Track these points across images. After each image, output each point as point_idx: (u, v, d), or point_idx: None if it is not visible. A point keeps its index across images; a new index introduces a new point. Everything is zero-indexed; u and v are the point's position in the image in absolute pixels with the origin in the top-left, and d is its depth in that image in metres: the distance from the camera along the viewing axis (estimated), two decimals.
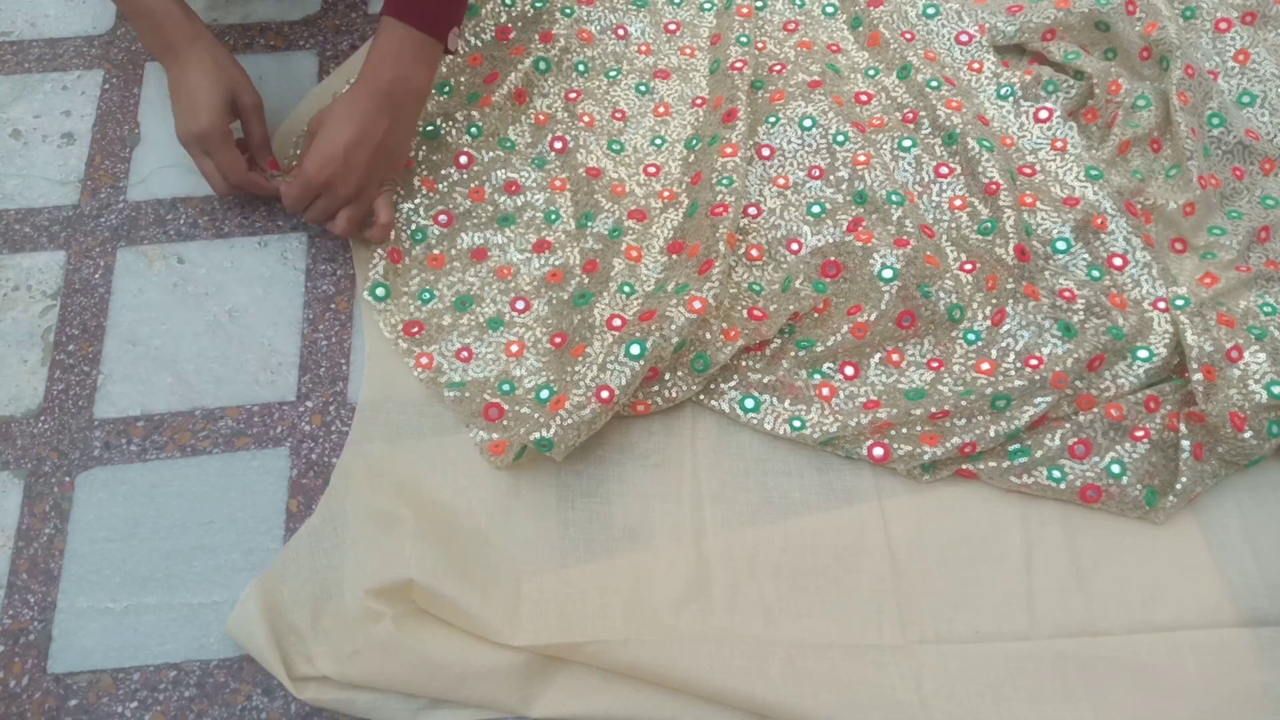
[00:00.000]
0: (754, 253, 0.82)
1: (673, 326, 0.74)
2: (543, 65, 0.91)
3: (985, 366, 0.77)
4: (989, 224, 0.81)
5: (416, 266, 0.83)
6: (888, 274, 0.77)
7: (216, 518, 0.74)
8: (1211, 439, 0.73)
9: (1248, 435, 0.71)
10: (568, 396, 0.73)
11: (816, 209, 0.83)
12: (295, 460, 0.77)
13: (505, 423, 0.76)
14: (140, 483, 0.76)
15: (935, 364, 0.78)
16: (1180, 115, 0.84)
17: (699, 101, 0.91)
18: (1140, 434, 0.74)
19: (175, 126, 0.80)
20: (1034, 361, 0.76)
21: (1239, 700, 0.66)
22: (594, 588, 0.70)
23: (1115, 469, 0.73)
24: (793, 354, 0.78)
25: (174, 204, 0.88)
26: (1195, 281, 0.81)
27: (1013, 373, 0.76)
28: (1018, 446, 0.74)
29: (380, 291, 0.81)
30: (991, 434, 0.73)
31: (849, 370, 0.78)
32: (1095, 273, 0.79)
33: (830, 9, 0.96)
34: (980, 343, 0.78)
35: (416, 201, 0.85)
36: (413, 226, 0.85)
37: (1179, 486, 0.72)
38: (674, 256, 0.81)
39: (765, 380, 0.77)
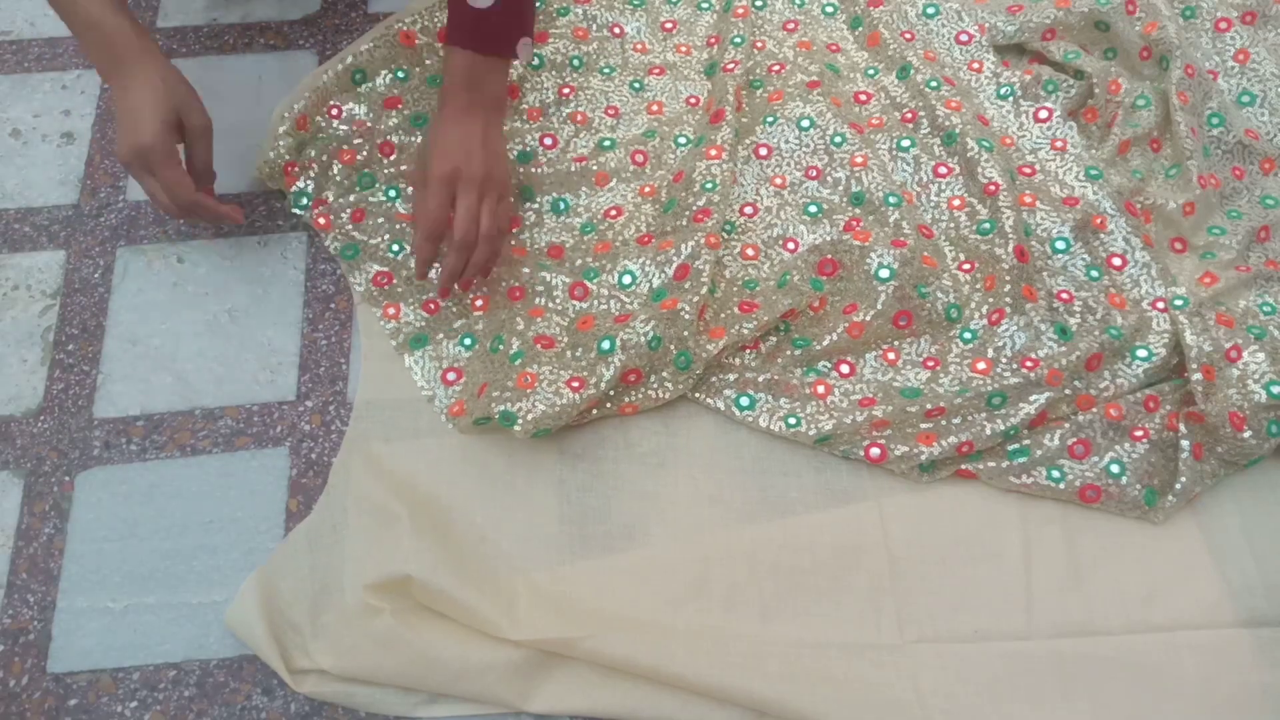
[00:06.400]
0: (749, 251, 0.82)
1: (639, 319, 0.74)
2: (536, 61, 0.91)
3: (981, 366, 0.77)
4: (988, 224, 0.81)
5: (384, 217, 0.84)
6: (884, 273, 0.77)
7: (216, 517, 0.74)
8: (1211, 439, 0.73)
9: (1247, 435, 0.71)
10: (537, 376, 0.73)
11: (813, 209, 0.83)
12: (295, 460, 0.77)
13: (463, 385, 0.77)
14: (140, 482, 0.76)
15: (931, 363, 0.78)
16: (1180, 115, 0.84)
17: (693, 100, 0.91)
18: (1139, 434, 0.74)
19: (117, 145, 0.75)
20: (1029, 363, 0.76)
21: (1237, 700, 0.66)
22: (591, 585, 0.71)
23: (1114, 469, 0.73)
24: (788, 352, 0.78)
25: None
26: (1195, 281, 0.81)
27: (1008, 373, 0.76)
28: (1017, 446, 0.74)
29: (349, 252, 0.83)
30: (988, 432, 0.73)
31: (844, 369, 0.78)
32: (1094, 273, 0.79)
33: (830, 9, 0.96)
34: (976, 341, 0.78)
35: (399, 185, 0.86)
36: (387, 187, 0.85)
37: (1178, 486, 0.72)
38: (642, 247, 0.81)
39: (761, 379, 0.77)
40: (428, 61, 0.90)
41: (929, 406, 0.74)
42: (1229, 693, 0.66)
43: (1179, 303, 0.77)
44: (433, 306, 0.81)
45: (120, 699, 0.69)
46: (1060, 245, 0.80)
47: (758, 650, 0.68)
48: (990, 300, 0.79)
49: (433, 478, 0.74)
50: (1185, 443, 0.72)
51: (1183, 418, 0.73)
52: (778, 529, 0.73)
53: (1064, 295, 0.78)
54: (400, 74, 0.88)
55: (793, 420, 0.75)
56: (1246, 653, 0.68)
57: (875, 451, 0.74)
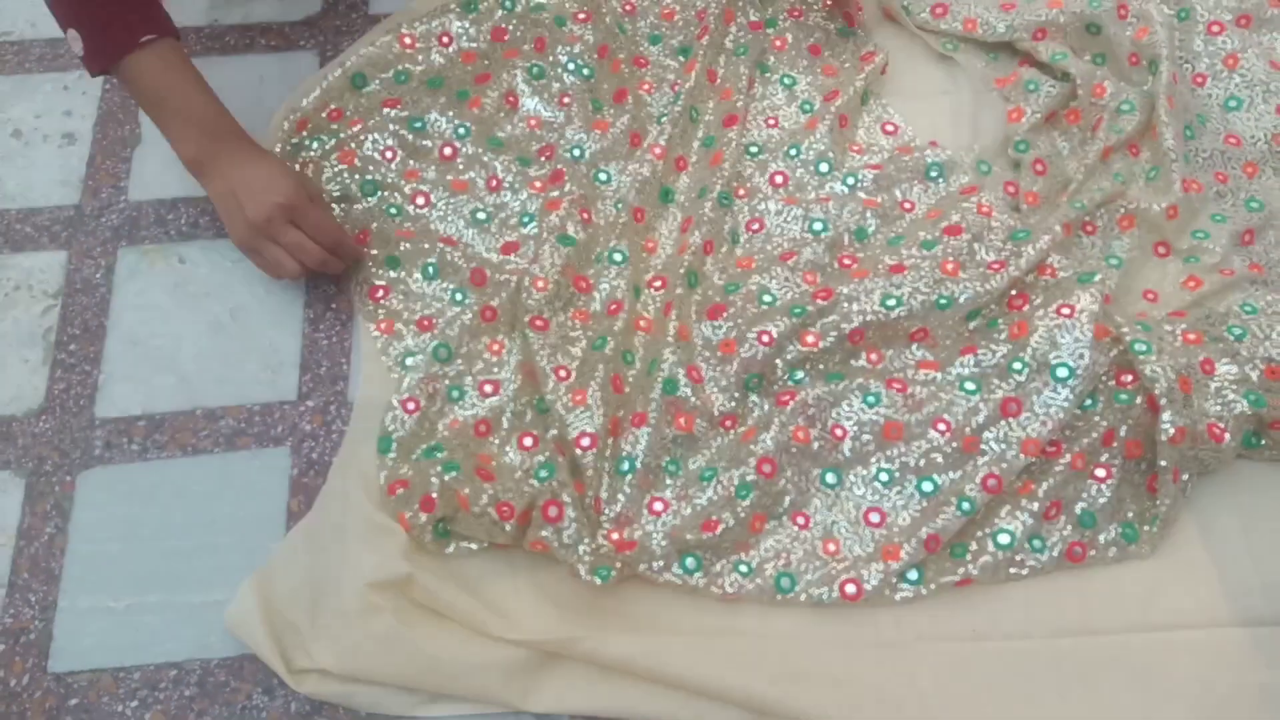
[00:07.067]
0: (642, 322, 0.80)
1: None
2: (535, 70, 0.91)
3: (894, 432, 0.74)
4: (894, 300, 0.78)
5: (388, 235, 0.84)
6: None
7: (217, 517, 0.74)
8: (1183, 459, 0.71)
9: (1228, 442, 0.70)
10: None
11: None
12: (296, 459, 0.77)
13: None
14: (141, 482, 0.76)
15: (838, 430, 0.75)
16: (1166, 118, 0.84)
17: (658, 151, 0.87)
18: (1102, 474, 0.72)
19: (240, 221, 0.77)
20: (941, 426, 0.73)
21: (1235, 700, 0.66)
22: (591, 585, 0.70)
23: (1086, 520, 0.71)
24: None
25: (175, 204, 0.88)
26: (1179, 285, 0.81)
27: (926, 445, 0.73)
28: (1002, 529, 0.71)
29: None
30: (941, 520, 0.70)
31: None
32: (998, 322, 0.78)
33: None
34: (881, 405, 0.75)
35: (403, 185, 0.86)
36: (387, 205, 0.85)
37: (1162, 510, 0.71)
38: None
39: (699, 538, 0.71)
40: (427, 64, 0.90)
41: (866, 505, 0.72)
42: (1227, 692, 0.66)
43: (1140, 347, 0.73)
44: (425, 324, 0.81)
45: (121, 698, 0.69)
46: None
47: (757, 650, 0.68)
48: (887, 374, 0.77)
49: None
50: (1164, 461, 0.70)
51: (1163, 444, 0.70)
52: None
53: (973, 350, 0.77)
54: (401, 77, 0.89)
55: (744, 569, 0.71)
56: (1244, 652, 0.68)
57: (851, 589, 0.69)
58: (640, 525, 0.72)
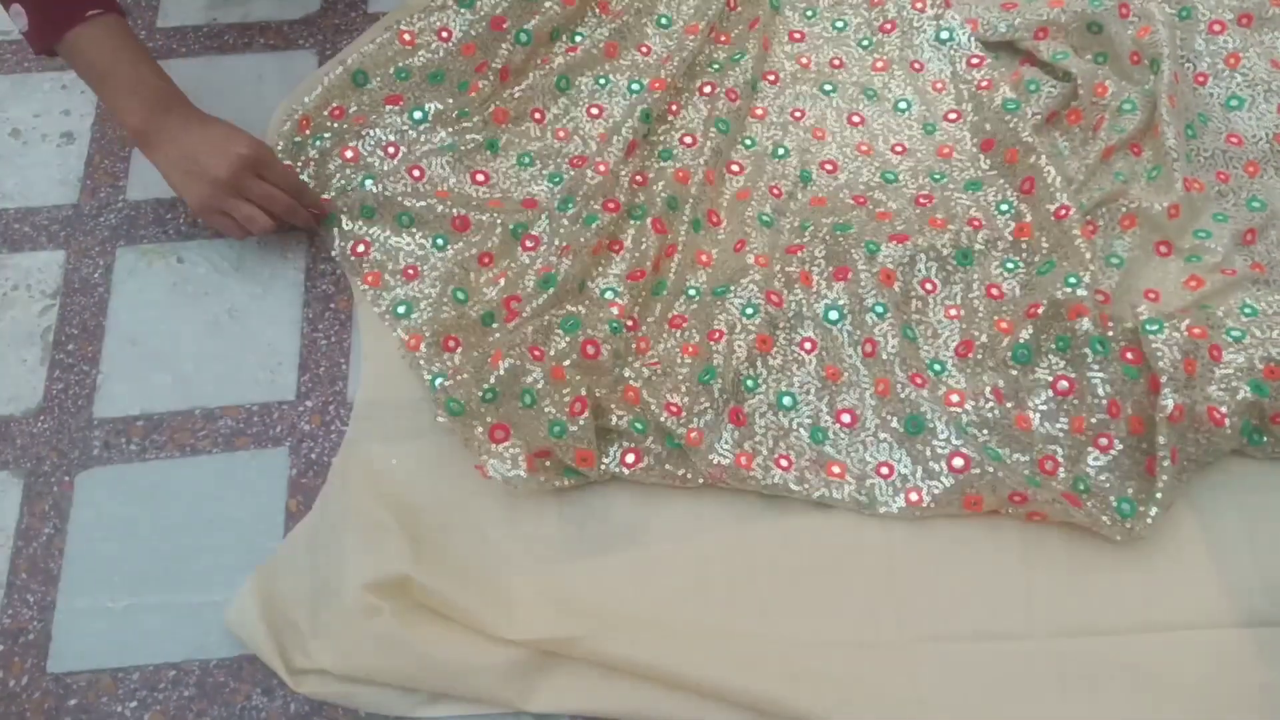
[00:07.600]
0: (703, 258, 0.84)
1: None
2: (563, 84, 0.91)
3: (919, 381, 0.76)
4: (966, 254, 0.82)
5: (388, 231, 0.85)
6: (834, 314, 0.79)
7: (216, 517, 0.74)
8: (1182, 440, 0.71)
9: (1227, 429, 0.71)
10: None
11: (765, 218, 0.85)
12: (295, 460, 0.77)
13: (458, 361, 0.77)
14: (140, 482, 0.76)
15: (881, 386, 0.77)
16: (1168, 117, 0.84)
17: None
18: (1104, 442, 0.73)
19: (205, 182, 0.76)
20: (962, 349, 0.78)
21: (1237, 700, 0.66)
22: (591, 584, 0.71)
23: (1080, 486, 0.72)
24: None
25: (173, 203, 0.88)
26: (1180, 285, 0.80)
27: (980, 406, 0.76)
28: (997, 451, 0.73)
29: (329, 220, 0.85)
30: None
31: (845, 417, 0.77)
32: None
33: (840, 24, 0.96)
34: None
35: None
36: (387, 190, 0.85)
37: (1159, 495, 0.70)
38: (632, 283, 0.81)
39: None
40: (427, 60, 0.90)
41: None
42: (1228, 692, 0.66)
43: (1153, 327, 0.74)
44: (411, 272, 0.82)
45: (120, 699, 0.69)
46: (1010, 266, 0.82)
47: (757, 649, 0.68)
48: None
49: (433, 478, 0.75)
50: (1162, 438, 0.70)
51: (1162, 423, 0.71)
52: (778, 528, 0.73)
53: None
54: (402, 74, 0.89)
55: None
56: (1246, 652, 0.68)
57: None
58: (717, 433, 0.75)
